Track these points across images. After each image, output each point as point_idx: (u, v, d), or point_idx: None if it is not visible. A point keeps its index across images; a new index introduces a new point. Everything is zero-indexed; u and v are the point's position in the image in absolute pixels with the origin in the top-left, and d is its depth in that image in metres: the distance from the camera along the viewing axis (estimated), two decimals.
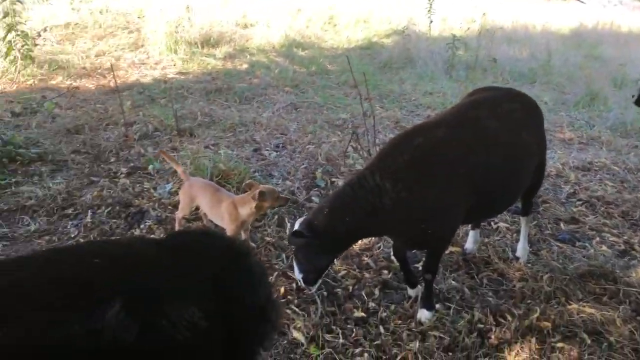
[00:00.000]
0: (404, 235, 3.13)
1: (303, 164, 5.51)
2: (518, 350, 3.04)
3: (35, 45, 8.52)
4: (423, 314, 3.29)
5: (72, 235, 4.12)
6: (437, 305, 3.37)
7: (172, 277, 1.39)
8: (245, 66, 10.02)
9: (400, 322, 3.28)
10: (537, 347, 3.06)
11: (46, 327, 1.13)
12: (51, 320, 1.15)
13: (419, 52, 11.32)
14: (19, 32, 7.86)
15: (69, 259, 1.38)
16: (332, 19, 14.22)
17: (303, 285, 3.17)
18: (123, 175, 5.16)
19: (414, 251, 3.91)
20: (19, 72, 8.10)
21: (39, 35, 9.06)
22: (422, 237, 3.08)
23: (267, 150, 5.96)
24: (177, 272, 1.41)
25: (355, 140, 5.41)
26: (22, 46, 7.97)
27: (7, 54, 7.91)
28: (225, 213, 3.74)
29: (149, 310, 1.25)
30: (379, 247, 4.08)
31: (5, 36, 7.79)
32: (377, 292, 3.55)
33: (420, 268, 3.70)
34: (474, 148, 3.08)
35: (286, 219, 4.40)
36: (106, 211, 4.45)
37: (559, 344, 3.09)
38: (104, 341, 1.15)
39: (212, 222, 4.09)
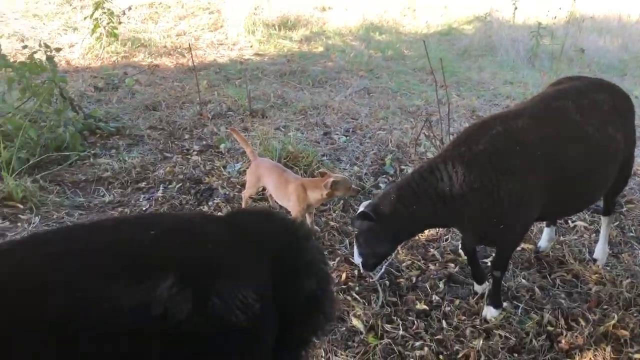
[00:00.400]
0: (473, 228, 2.99)
1: (372, 150, 5.42)
2: (590, 358, 2.85)
3: (120, 23, 8.82)
4: (489, 311, 3.15)
5: (144, 208, 4.23)
6: (505, 304, 3.21)
7: (229, 256, 1.36)
8: (320, 49, 9.98)
9: (464, 317, 3.15)
10: (612, 356, 2.86)
11: (94, 297, 1.12)
12: (100, 289, 1.14)
13: (500, 39, 10.89)
14: (105, 10, 8.16)
15: (126, 229, 1.38)
16: (412, 3, 13.91)
17: (362, 269, 3.10)
18: (195, 152, 5.26)
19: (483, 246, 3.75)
20: (103, 49, 8.43)
21: (124, 14, 9.37)
22: (492, 232, 2.93)
23: (337, 134, 5.90)
24: (234, 251, 1.38)
25: (428, 127, 5.26)
26: (108, 24, 8.28)
27: (93, 31, 8.24)
28: (292, 194, 3.71)
29: (202, 287, 1.22)
30: (447, 239, 3.94)
31: (93, 14, 8.11)
32: (441, 285, 3.43)
33: (489, 263, 3.56)
34: (556, 141, 2.88)
35: (352, 205, 4.34)
36: (177, 187, 4.54)
37: (637, 355, 2.87)
38: (154, 315, 1.13)
39: (277, 203, 4.09)
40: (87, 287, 1.14)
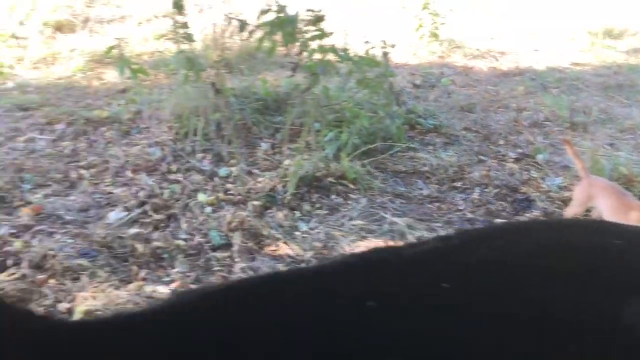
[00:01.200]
0: None
1: None
2: None
3: (442, 24, 9.05)
4: None
5: (460, 208, 4.27)
6: None
7: None
8: None
9: None
10: None
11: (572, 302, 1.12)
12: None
13: None
14: (431, 11, 8.48)
15: (591, 233, 1.35)
16: None
17: None
18: (511, 160, 5.12)
19: None
20: (423, 48, 8.78)
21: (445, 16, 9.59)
22: None
23: None
24: None
25: None
26: (432, 24, 8.58)
27: (417, 30, 8.64)
28: (636, 223, 3.33)
29: None
30: None
31: (419, 14, 8.50)
32: None
33: None
34: None
35: None
36: (493, 192, 4.47)
37: None
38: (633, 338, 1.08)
39: None
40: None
